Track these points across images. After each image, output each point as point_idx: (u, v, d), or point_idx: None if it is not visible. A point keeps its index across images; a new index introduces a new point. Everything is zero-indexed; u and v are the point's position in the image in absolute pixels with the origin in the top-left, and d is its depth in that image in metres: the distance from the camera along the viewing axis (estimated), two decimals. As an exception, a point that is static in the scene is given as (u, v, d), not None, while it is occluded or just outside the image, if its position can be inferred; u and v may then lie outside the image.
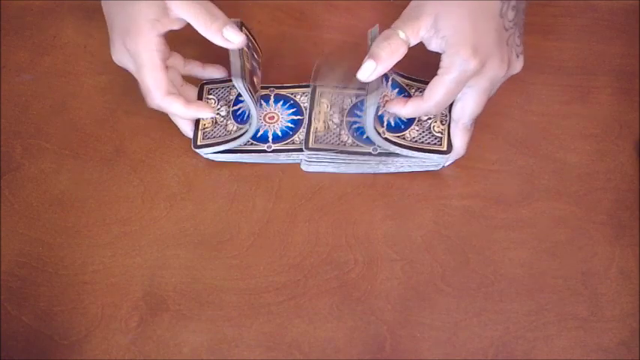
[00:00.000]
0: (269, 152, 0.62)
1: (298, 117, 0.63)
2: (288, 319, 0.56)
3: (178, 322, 0.56)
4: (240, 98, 0.63)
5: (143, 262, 0.58)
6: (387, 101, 0.58)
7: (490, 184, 0.61)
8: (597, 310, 0.55)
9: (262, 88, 0.65)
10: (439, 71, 0.54)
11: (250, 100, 0.58)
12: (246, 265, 0.58)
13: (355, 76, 0.54)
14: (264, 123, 0.63)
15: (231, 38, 0.57)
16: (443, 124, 0.60)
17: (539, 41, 0.70)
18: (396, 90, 0.61)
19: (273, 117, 0.63)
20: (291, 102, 0.64)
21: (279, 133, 0.62)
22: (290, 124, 0.63)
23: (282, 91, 0.65)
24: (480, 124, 0.65)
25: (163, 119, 0.66)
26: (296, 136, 0.62)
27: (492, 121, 0.65)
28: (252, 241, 0.59)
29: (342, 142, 0.61)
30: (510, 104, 0.66)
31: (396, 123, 0.59)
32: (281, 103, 0.64)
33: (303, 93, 0.64)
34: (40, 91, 0.68)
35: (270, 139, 0.62)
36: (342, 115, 0.61)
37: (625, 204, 0.60)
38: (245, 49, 0.59)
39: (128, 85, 0.68)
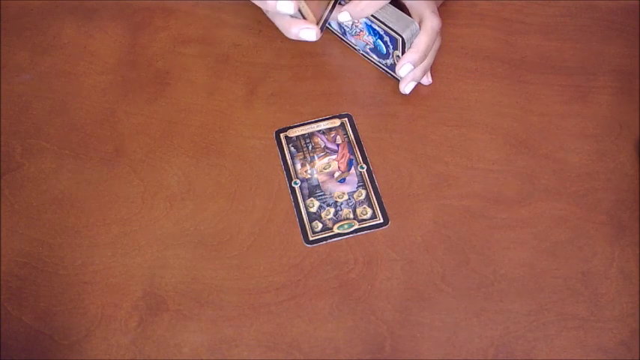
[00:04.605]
0: None
1: None
2: (288, 319, 0.56)
3: (178, 322, 0.56)
4: None
5: (143, 262, 0.58)
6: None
7: (490, 184, 0.61)
8: (597, 310, 0.55)
9: None
10: None
11: None
12: (246, 265, 0.58)
13: None
14: None
15: None
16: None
17: (539, 41, 0.70)
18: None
19: None
20: None
21: None
22: None
23: None
24: (480, 124, 0.65)
25: (163, 119, 0.66)
26: None
27: (492, 121, 0.65)
28: (252, 241, 0.59)
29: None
30: (510, 104, 0.66)
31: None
32: None
33: None
34: (40, 91, 0.68)
35: None
36: None
37: (625, 204, 0.60)
38: None
39: (128, 85, 0.69)
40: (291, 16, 0.59)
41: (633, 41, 0.69)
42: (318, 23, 0.61)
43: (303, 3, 0.59)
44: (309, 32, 0.59)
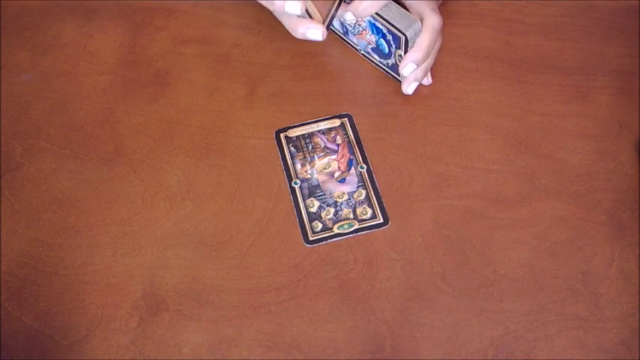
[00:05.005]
0: None
1: None
2: (288, 319, 0.56)
3: (178, 322, 0.56)
4: None
5: (143, 262, 0.58)
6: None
7: (490, 184, 0.61)
8: (597, 310, 0.55)
9: None
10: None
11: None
12: (246, 265, 0.58)
13: None
14: None
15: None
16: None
17: (539, 41, 0.70)
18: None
19: None
20: None
21: None
22: None
23: None
24: (480, 124, 0.65)
25: (163, 119, 0.66)
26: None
27: (492, 121, 0.65)
28: (252, 241, 0.59)
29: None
30: (510, 104, 0.66)
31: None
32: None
33: None
34: (40, 91, 0.68)
35: None
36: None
37: (625, 204, 0.60)
38: None
39: (128, 85, 0.69)
40: (298, 16, 0.60)
41: (633, 41, 0.69)
42: (324, 22, 0.61)
43: (310, 3, 0.59)
44: (315, 32, 0.60)
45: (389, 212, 0.60)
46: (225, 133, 0.65)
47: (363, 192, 0.61)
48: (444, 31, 0.67)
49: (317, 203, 0.61)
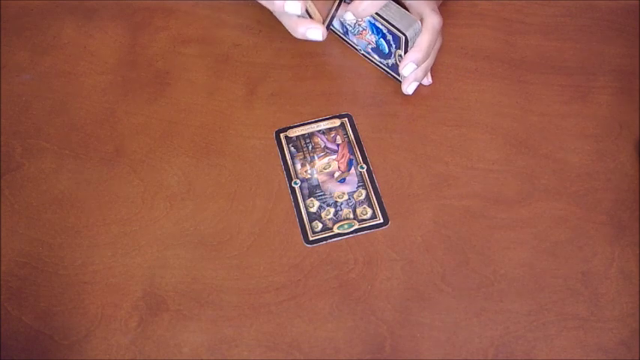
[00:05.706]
0: None
1: None
2: (288, 319, 0.56)
3: (178, 322, 0.56)
4: None
5: (143, 262, 0.58)
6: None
7: (490, 184, 0.61)
8: (597, 310, 0.55)
9: None
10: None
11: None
12: (246, 265, 0.58)
13: None
14: None
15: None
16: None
17: (539, 41, 0.70)
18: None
19: None
20: None
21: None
22: None
23: None
24: (480, 124, 0.65)
25: (163, 119, 0.66)
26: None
27: (492, 121, 0.65)
28: (252, 241, 0.59)
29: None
30: (510, 104, 0.66)
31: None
32: None
33: None
34: (40, 91, 0.68)
35: None
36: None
37: (625, 204, 0.60)
38: None
39: (128, 85, 0.69)
40: (298, 16, 0.60)
41: (633, 41, 0.69)
42: (324, 22, 0.61)
43: (310, 3, 0.59)
44: (315, 32, 0.60)
45: (389, 212, 0.60)
46: (225, 133, 0.65)
47: (363, 192, 0.61)
48: (444, 31, 0.67)
49: (317, 203, 0.61)
